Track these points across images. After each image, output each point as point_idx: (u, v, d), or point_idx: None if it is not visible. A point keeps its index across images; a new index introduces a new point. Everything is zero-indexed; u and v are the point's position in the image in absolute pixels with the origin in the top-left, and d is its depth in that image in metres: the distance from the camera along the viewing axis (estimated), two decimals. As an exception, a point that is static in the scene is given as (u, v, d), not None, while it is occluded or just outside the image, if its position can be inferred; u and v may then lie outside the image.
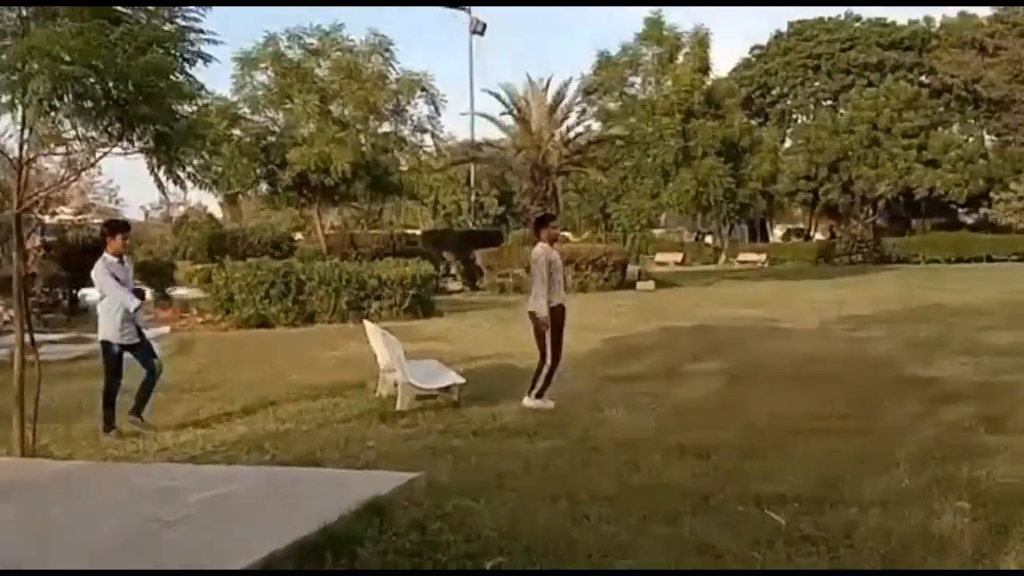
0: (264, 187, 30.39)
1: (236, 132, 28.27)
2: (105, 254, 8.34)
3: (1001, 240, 52.74)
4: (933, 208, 59.23)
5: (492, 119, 40.13)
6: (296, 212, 40.48)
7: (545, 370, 9.20)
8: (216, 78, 35.25)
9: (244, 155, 28.00)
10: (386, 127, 29.83)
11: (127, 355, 8.56)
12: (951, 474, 6.19)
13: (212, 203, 45.90)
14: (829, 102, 65.18)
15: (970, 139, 58.05)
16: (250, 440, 7.83)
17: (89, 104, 6.31)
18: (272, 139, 28.95)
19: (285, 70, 28.45)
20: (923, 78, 61.13)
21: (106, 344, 8.38)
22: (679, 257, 59.95)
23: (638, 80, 36.78)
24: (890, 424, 8.01)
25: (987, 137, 60.21)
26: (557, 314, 9.28)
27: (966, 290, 26.90)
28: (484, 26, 42.94)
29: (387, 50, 29.04)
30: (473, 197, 50.17)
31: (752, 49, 69.97)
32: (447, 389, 9.34)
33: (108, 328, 8.34)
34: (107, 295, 8.34)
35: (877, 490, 5.87)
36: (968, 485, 5.93)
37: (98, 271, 8.21)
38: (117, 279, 8.24)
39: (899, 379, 10.63)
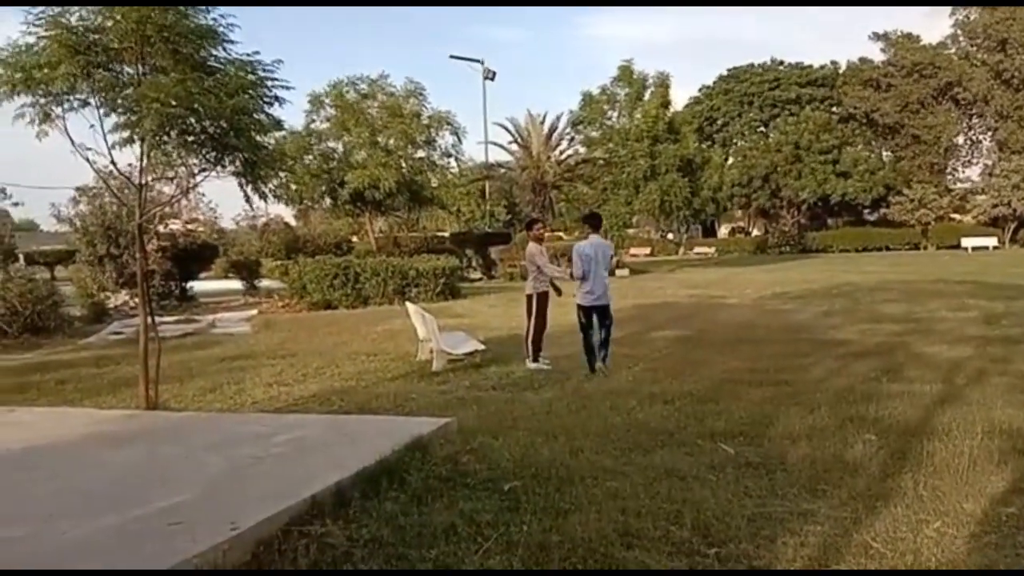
0: (328, 201, 30.37)
1: (308, 158, 28.29)
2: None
3: (896, 233, 52.72)
4: (844, 209, 59.05)
5: (502, 146, 40.16)
6: (352, 220, 40.36)
7: (528, 338, 9.19)
8: (292, 115, 35.21)
9: (313, 176, 28.08)
10: (420, 153, 29.77)
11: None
12: (861, 413, 6.17)
13: (288, 214, 45.83)
14: (761, 129, 64.77)
15: (871, 156, 57.81)
16: (321, 395, 7.83)
17: (191, 139, 6.32)
18: (334, 163, 28.94)
19: (344, 108, 28.48)
20: (834, 108, 60.60)
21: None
22: (648, 250, 59.93)
23: (615, 114, 36.60)
24: (812, 376, 7.98)
25: (884, 154, 59.77)
26: (542, 297, 9.25)
27: (869, 272, 26.77)
28: (494, 73, 42.55)
29: (421, 94, 29.07)
30: (487, 206, 50.03)
31: (701, 89, 69.53)
32: (471, 354, 9.34)
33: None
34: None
35: (804, 426, 5.84)
36: (874, 422, 5.91)
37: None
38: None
39: (818, 341, 10.59)
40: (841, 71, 61.85)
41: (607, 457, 5.16)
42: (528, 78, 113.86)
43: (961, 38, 56.61)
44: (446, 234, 44.78)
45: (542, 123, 37.03)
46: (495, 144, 45.79)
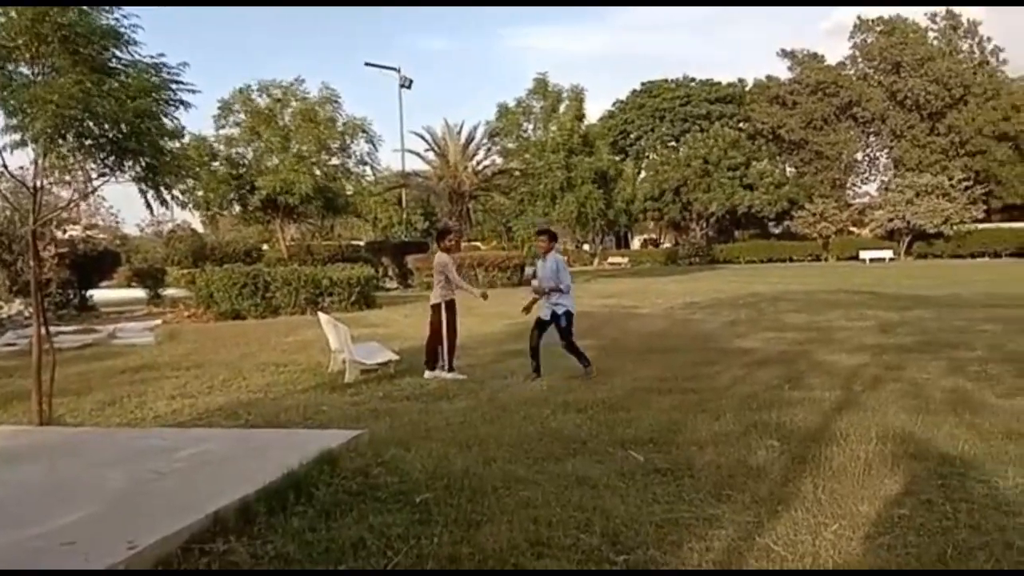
0: (237, 207, 29.65)
1: (215, 164, 27.55)
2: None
3: (799, 245, 54.96)
4: (751, 222, 61.25)
5: (419, 154, 39.92)
6: (263, 227, 39.47)
7: (443, 349, 9.18)
8: (201, 121, 34.19)
9: (221, 182, 27.37)
10: (335, 160, 29.41)
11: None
12: (764, 420, 6.36)
13: (195, 220, 44.44)
14: (672, 143, 66.60)
15: (776, 170, 60.12)
16: (227, 408, 7.60)
17: (88, 142, 6.05)
18: (244, 169, 28.28)
19: (255, 113, 27.88)
20: (741, 124, 62.88)
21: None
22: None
23: (530, 125, 37.00)
24: (719, 384, 8.20)
25: (788, 169, 62.32)
26: (450, 306, 9.32)
27: (774, 283, 27.78)
28: (411, 81, 42.39)
29: (336, 100, 28.72)
30: (404, 215, 49.71)
31: (615, 103, 71.05)
32: (385, 364, 9.23)
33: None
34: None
35: (710, 433, 6.00)
36: (777, 428, 6.10)
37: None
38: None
39: (725, 350, 10.90)
40: (748, 88, 64.25)
41: (520, 466, 5.18)
42: (447, 87, 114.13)
43: (860, 60, 59.66)
44: (362, 242, 44.29)
45: (459, 133, 37.01)
46: (412, 152, 45.87)
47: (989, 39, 57.75)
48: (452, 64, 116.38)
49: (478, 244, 54.56)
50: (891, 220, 51.70)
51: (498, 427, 6.37)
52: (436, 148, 37.46)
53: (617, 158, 51.70)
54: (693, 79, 67.72)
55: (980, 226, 51.11)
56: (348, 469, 4.97)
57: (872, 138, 61.39)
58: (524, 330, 14.08)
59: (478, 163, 37.99)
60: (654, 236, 72.21)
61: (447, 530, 4.02)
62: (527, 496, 4.56)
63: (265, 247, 40.15)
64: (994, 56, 57.37)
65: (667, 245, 66.69)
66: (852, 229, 56.52)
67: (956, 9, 56.48)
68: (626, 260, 60.11)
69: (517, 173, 36.96)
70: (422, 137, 37.58)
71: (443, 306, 9.31)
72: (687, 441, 5.77)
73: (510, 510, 4.32)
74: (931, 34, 57.42)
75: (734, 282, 29.22)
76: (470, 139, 37.30)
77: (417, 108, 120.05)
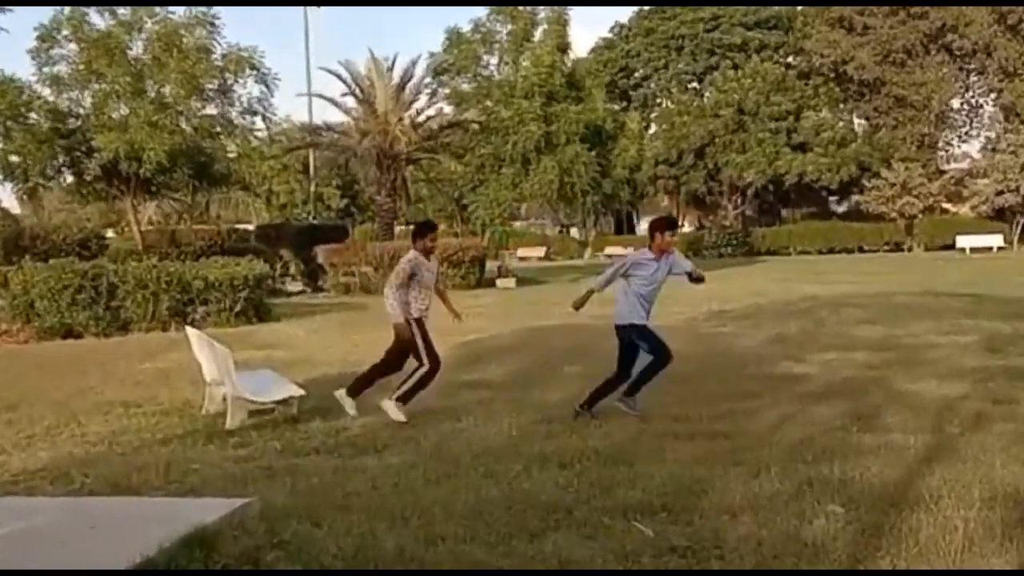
0: (68, 178, 29.30)
1: (33, 116, 27.19)
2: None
3: (872, 229, 55.27)
4: (803, 197, 61.67)
5: (332, 101, 39.85)
6: (107, 205, 39.14)
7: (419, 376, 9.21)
8: (12, 56, 33.76)
9: (42, 142, 26.87)
10: (211, 109, 29.18)
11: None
12: (823, 475, 6.43)
13: (8, 197, 43.88)
14: (694, 85, 67.01)
15: (840, 123, 60.49)
16: (54, 467, 7.49)
17: None
18: (77, 123, 27.91)
19: (91, 43, 27.42)
20: (791, 58, 63.41)
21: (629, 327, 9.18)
22: (542, 251, 60.75)
23: (493, 60, 36.93)
24: (759, 425, 8.27)
25: (857, 121, 62.94)
26: (421, 323, 9.38)
27: (837, 282, 28.08)
28: (322, -3, 42.38)
29: (212, 23, 28.42)
30: (312, 187, 49.49)
31: (613, 28, 71.38)
32: (284, 402, 9.17)
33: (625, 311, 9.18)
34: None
35: (747, 495, 6.04)
36: (841, 487, 6.17)
37: None
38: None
39: (768, 376, 11.00)
40: (802, 8, 64.64)
41: (478, 547, 5.18)
42: (374, 10, 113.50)
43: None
44: (251, 227, 44.08)
45: (390, 70, 36.98)
46: (323, 99, 45.43)
47: None
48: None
49: (418, 228, 54.67)
50: (1000, 193, 52.37)
51: (447, 490, 6.36)
52: (358, 92, 37.37)
53: (617, 107, 51.90)
54: (724, -7, 68.32)
55: None
56: (230, 554, 4.94)
57: (974, 78, 62.32)
58: (484, 352, 14.18)
59: (418, 113, 37.97)
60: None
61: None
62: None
63: (110, 234, 39.84)
64: None
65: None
66: (946, 206, 57.36)
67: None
68: (631, 250, 60.21)
69: (475, 127, 36.94)
70: (338, 76, 37.49)
71: (414, 323, 9.26)
72: (715, 507, 5.81)
73: (464, 610, 4.33)
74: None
75: (781, 281, 29.50)
76: (407, 78, 37.31)
77: (333, 36, 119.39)
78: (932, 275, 30.71)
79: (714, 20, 66.47)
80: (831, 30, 60.13)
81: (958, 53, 59.29)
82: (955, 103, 63.21)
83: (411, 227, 45.75)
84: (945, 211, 57.63)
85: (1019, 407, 8.73)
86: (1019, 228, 53.16)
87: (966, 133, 64.33)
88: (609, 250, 60.30)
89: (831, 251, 53.82)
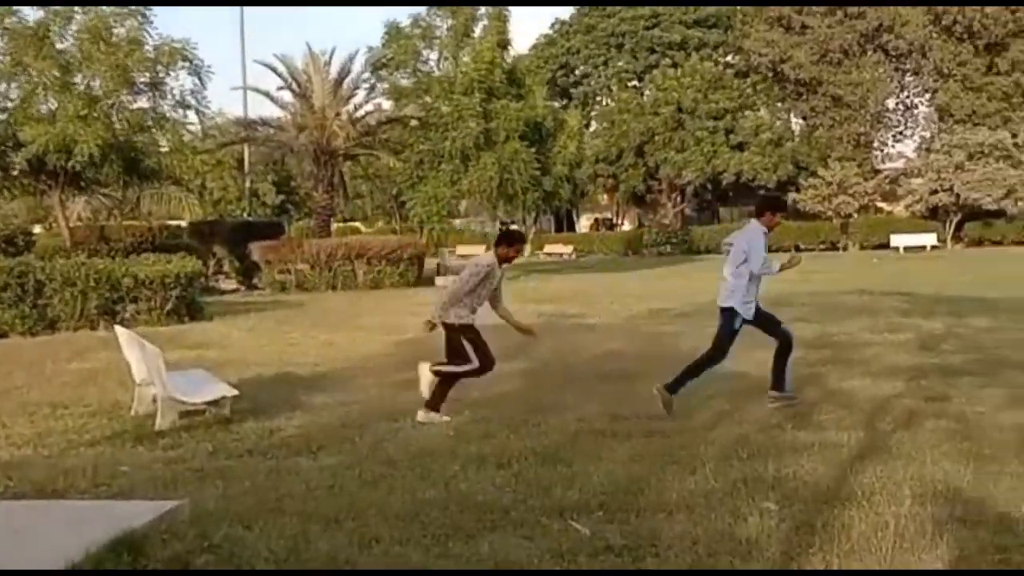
0: (-6, 172, 28.73)
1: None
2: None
3: (809, 228, 55.96)
4: (741, 195, 62.21)
5: (268, 95, 39.44)
6: (34, 201, 38.43)
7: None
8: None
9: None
10: (142, 102, 28.74)
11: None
12: (757, 473, 6.52)
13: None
14: (634, 83, 67.41)
15: (778, 122, 61.25)
16: (-23, 470, 7.35)
17: None
18: (3, 116, 27.40)
19: (18, 34, 26.97)
20: (729, 57, 64.06)
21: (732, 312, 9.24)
22: (482, 249, 60.63)
23: (433, 55, 36.84)
24: (696, 423, 8.35)
25: (795, 120, 63.74)
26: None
27: (774, 280, 28.33)
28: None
29: (143, 15, 28.03)
30: (247, 183, 48.97)
31: (554, 25, 71.53)
32: (217, 403, 9.07)
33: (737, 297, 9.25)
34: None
35: (683, 493, 6.10)
36: (775, 484, 6.26)
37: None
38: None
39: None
40: (741, 7, 65.33)
41: (414, 548, 5.17)
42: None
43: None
44: (183, 223, 43.49)
45: (328, 64, 36.73)
46: (259, 92, 44.94)
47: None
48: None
49: (358, 226, 54.34)
50: (934, 193, 53.38)
51: (383, 492, 6.34)
52: (295, 86, 37.09)
53: (557, 104, 52.08)
54: (664, -8, 68.81)
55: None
56: (159, 558, 4.87)
57: (909, 78, 63.39)
58: (421, 351, 14.07)
59: (356, 108, 37.78)
60: (608, 215, 73.06)
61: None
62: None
63: (38, 230, 39.09)
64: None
65: (627, 227, 67.56)
66: (881, 205, 58.31)
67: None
68: (570, 249, 60.62)
69: (414, 123, 36.81)
70: (274, 70, 37.19)
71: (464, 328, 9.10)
72: (651, 506, 5.85)
73: (398, 612, 4.32)
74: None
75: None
76: (344, 73, 37.10)
77: (268, 29, 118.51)
78: (867, 274, 31.22)
79: (654, 18, 66.98)
80: (769, 29, 60.76)
81: (894, 53, 60.32)
82: (890, 103, 64.28)
83: (348, 223, 45.69)
84: (880, 210, 58.59)
85: (951, 405, 8.92)
86: (952, 227, 54.24)
87: (901, 133, 65.48)
88: (549, 248, 60.58)
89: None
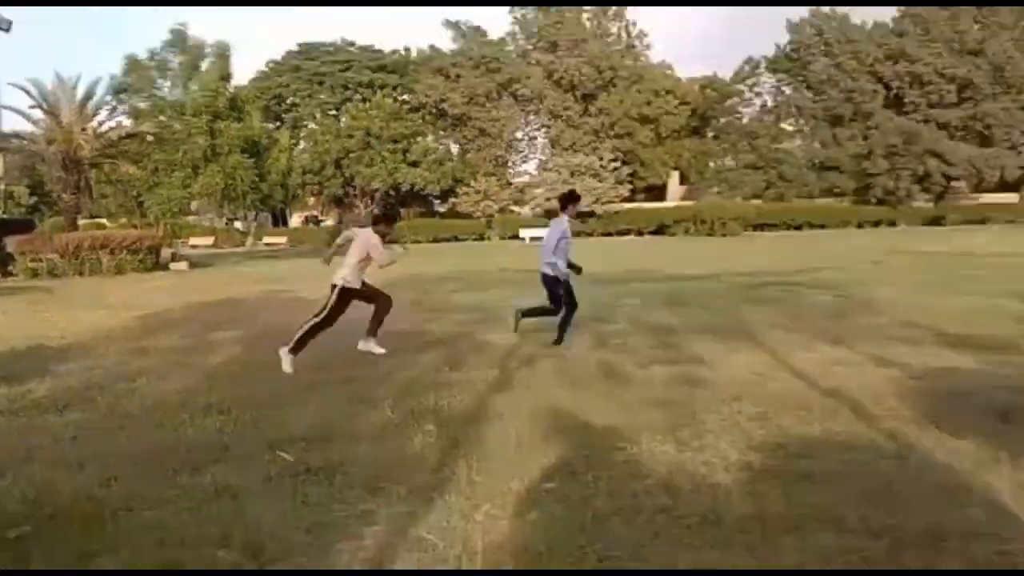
0: None
1: None
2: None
3: (464, 224, 58.05)
4: (416, 199, 63.34)
5: (21, 112, 35.30)
6: None
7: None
8: None
9: None
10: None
11: None
12: (423, 405, 6.63)
13: None
14: (333, 112, 66.40)
15: (441, 147, 62.83)
16: None
17: None
18: None
19: None
20: (404, 96, 64.53)
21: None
22: (211, 240, 58.15)
23: (167, 83, 34.60)
24: (381, 371, 8.35)
25: (453, 145, 65.32)
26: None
27: (440, 262, 29.02)
28: (10, 24, 37.15)
29: None
30: (2, 187, 43.66)
31: (268, 63, 68.92)
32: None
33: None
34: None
35: (368, 425, 6.11)
36: (435, 412, 6.40)
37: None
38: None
39: (389, 333, 11.12)
40: (412, 58, 66.03)
41: (148, 483, 4.84)
42: (59, 33, 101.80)
43: (520, 36, 64.22)
44: (-57, 221, 38.02)
45: (75, 88, 33.34)
46: (12, 111, 40.13)
47: (634, 23, 65.44)
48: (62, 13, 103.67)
49: (103, 222, 49.81)
50: (549, 199, 56.48)
51: (122, 440, 5.89)
52: (45, 106, 33.44)
53: (272, 125, 50.59)
54: (353, 43, 68.03)
55: (626, 205, 58.03)
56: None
57: (531, 117, 66.48)
58: (157, 323, 13.21)
59: (100, 124, 34.69)
60: (315, 213, 71.53)
61: (50, 570, 3.64)
62: (155, 516, 4.30)
63: None
64: (639, 40, 65.14)
65: (330, 223, 66.47)
66: (514, 208, 60.92)
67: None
68: (284, 240, 59.14)
69: (150, 138, 34.33)
70: (26, 91, 33.31)
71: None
72: (343, 435, 5.82)
73: (134, 535, 4.03)
74: (584, 15, 63.54)
75: (401, 263, 29.95)
76: (88, 96, 33.90)
77: (23, 58, 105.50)
78: (506, 257, 32.53)
79: (347, 62, 66.19)
80: (433, 77, 61.81)
81: (521, 99, 63.02)
82: (519, 134, 67.18)
83: (95, 220, 41.60)
84: (513, 211, 61.08)
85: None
86: (562, 223, 57.47)
87: (526, 156, 68.75)
88: (268, 239, 58.96)
89: (436, 240, 55.56)
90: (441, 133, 65.05)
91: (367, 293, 9.13)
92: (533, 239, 52.86)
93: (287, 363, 8.44)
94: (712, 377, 7.53)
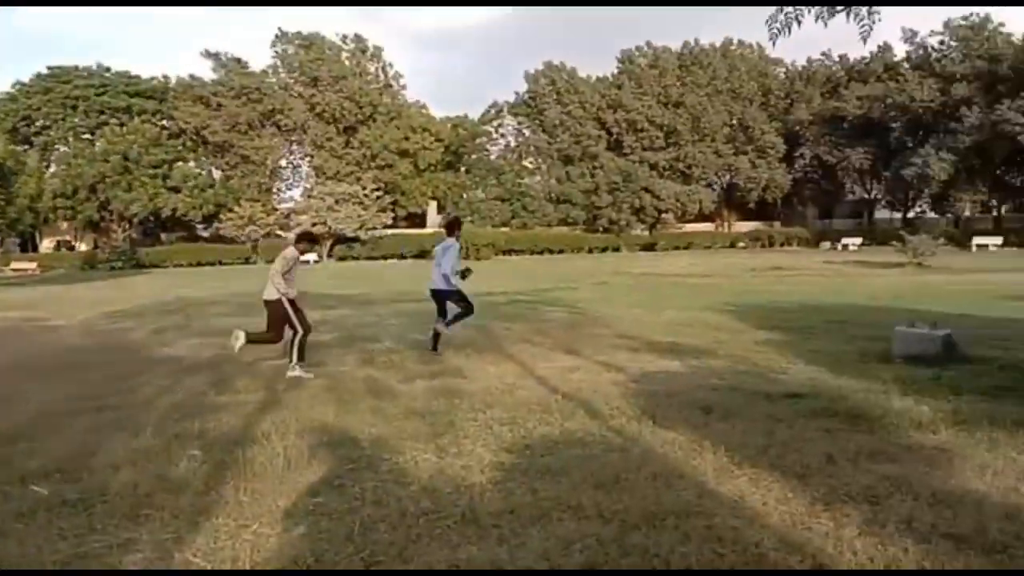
0: None
1: None
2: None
3: (229, 248, 55.35)
4: (178, 224, 59.52)
5: None
6: None
7: (297, 340, 8.71)
8: None
9: None
10: None
11: None
12: (187, 429, 6.20)
13: None
14: (87, 136, 60.60)
15: (202, 173, 59.42)
16: None
17: None
18: None
19: None
20: (164, 122, 60.42)
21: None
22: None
23: None
24: (142, 396, 7.74)
25: (215, 172, 61.93)
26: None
27: (205, 287, 27.34)
28: None
29: None
30: None
31: (15, 85, 61.59)
32: None
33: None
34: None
35: (128, 451, 5.60)
36: (200, 436, 6.02)
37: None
38: None
39: (151, 360, 10.36)
40: (171, 85, 61.95)
41: None
42: None
43: (282, 70, 62.32)
44: None
45: None
46: None
47: (391, 64, 65.90)
48: None
49: None
50: (315, 225, 55.27)
51: None
52: None
53: (20, 148, 45.42)
54: (109, 68, 62.66)
55: (389, 231, 58.10)
56: None
57: (295, 146, 64.60)
58: None
59: None
60: (68, 238, 64.68)
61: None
62: None
63: None
64: (395, 81, 65.64)
65: (85, 248, 60.45)
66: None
67: (364, 34, 62.96)
68: (34, 265, 52.83)
69: None
70: None
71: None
72: (102, 464, 5.30)
73: None
74: (344, 54, 62.95)
75: (162, 287, 27.96)
76: None
77: None
78: (246, 280, 31.21)
79: (103, 87, 60.74)
80: (193, 105, 58.43)
81: (284, 129, 61.15)
82: (283, 163, 65.18)
83: None
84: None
85: (325, 368, 9.22)
86: (328, 248, 56.30)
87: (292, 183, 66.73)
88: (15, 265, 52.41)
89: (199, 264, 52.38)
90: (203, 159, 61.45)
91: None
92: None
93: (300, 371, 8.61)
94: (469, 388, 7.71)
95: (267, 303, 8.92)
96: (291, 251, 9.18)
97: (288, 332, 8.85)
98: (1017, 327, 11.40)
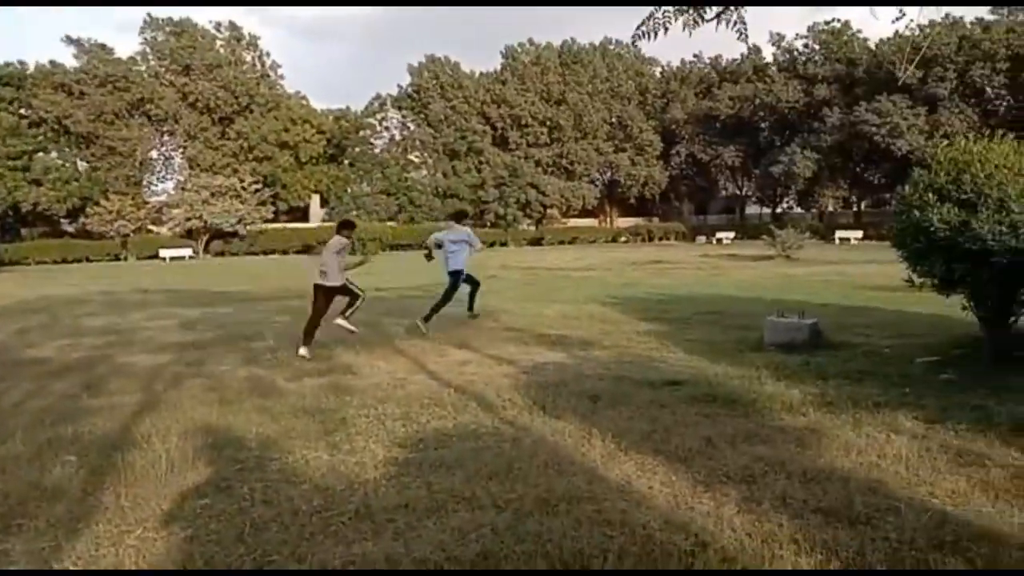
0: None
1: None
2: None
3: (97, 244, 52.32)
4: (40, 219, 55.67)
5: None
6: None
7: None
8: None
9: None
10: None
11: None
12: (60, 434, 5.90)
13: None
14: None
15: (66, 164, 55.74)
16: None
17: None
18: None
19: None
20: (23, 111, 56.35)
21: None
22: None
23: None
24: (8, 401, 7.26)
25: (80, 163, 58.26)
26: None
27: (70, 285, 25.76)
28: None
29: None
30: None
31: None
32: None
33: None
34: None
35: (-6, 460, 5.29)
36: (74, 440, 5.73)
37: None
38: None
39: (14, 362, 9.71)
40: (29, 71, 57.76)
41: None
42: None
43: (151, 57, 59.31)
44: None
45: None
46: None
47: (268, 54, 63.87)
48: None
49: None
50: (189, 219, 53.04)
51: None
52: None
53: None
54: (-42, 51, 57.91)
55: (270, 226, 56.32)
56: None
57: (167, 137, 61.69)
58: None
59: None
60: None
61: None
62: None
63: None
64: (273, 71, 63.69)
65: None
66: (152, 228, 56.10)
67: (238, 22, 60.74)
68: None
69: None
70: None
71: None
72: (-37, 476, 4.96)
73: None
74: (218, 42, 60.55)
75: (23, 286, 26.14)
76: None
77: None
78: (142, 277, 29.82)
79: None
80: (54, 93, 54.77)
81: (155, 119, 58.30)
82: (154, 154, 62.07)
83: None
84: (151, 231, 56.17)
85: (205, 367, 8.95)
86: (203, 242, 54.08)
87: (163, 176, 63.64)
88: None
89: (65, 261, 49.20)
90: (67, 150, 57.60)
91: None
92: (173, 259, 49.33)
93: (305, 351, 9.36)
94: (360, 385, 7.64)
95: (332, 288, 9.83)
96: (338, 240, 9.81)
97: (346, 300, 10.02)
98: (876, 315, 12.30)
